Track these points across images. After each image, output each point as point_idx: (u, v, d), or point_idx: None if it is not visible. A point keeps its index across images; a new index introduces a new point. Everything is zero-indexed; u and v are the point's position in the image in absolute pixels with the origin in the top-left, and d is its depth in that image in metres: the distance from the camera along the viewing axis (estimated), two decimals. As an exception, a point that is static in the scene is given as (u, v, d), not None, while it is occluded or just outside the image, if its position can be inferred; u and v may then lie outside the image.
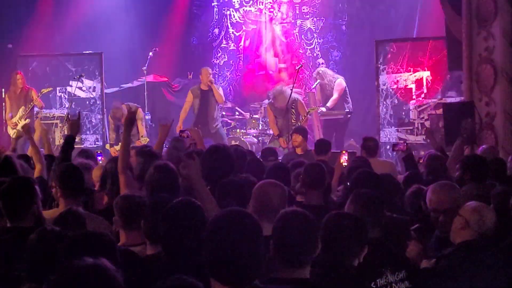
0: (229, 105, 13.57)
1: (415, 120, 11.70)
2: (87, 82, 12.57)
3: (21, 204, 4.02)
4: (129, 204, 4.11)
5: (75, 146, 5.77)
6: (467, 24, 8.69)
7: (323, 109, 12.18)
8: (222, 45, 15.34)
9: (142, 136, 11.47)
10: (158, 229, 3.32)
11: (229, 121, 13.29)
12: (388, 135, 11.92)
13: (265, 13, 15.18)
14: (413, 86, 11.74)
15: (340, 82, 12.35)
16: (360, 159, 6.72)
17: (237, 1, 15.23)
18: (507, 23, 8.29)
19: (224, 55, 15.35)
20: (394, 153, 10.00)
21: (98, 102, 12.67)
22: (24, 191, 4.06)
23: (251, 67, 15.25)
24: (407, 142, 8.59)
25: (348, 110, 12.24)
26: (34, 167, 6.12)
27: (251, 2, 15.20)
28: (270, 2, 15.15)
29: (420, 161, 7.42)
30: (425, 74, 11.64)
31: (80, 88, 12.48)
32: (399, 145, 7.46)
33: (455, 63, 9.32)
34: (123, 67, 14.13)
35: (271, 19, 15.16)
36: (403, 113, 11.84)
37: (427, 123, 11.38)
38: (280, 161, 8.12)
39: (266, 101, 12.72)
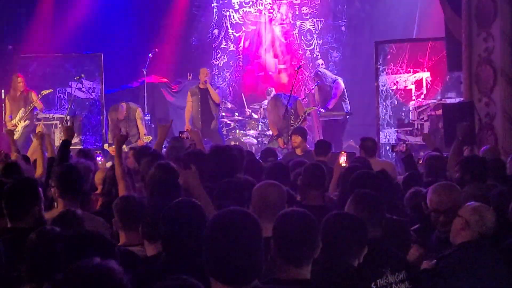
0: (228, 105, 13.57)
1: (414, 121, 11.68)
2: (87, 83, 12.56)
3: (23, 205, 4.02)
4: (128, 205, 4.14)
5: (75, 147, 5.81)
6: (467, 25, 8.68)
7: (322, 110, 12.18)
8: (222, 46, 15.35)
9: (143, 135, 11.50)
10: (158, 229, 3.32)
11: (229, 121, 13.28)
12: (388, 136, 11.91)
13: (264, 14, 15.18)
14: (412, 87, 11.73)
15: (338, 83, 12.36)
16: (360, 159, 6.72)
17: (237, 2, 15.23)
18: (506, 24, 8.28)
19: (224, 56, 15.35)
20: (394, 154, 10.01)
21: (97, 103, 12.67)
22: (27, 192, 4.07)
23: (251, 68, 15.25)
24: (406, 143, 8.59)
25: (347, 111, 12.25)
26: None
27: (250, 3, 15.20)
28: (270, 3, 15.15)
29: (420, 162, 7.42)
30: (425, 75, 11.63)
31: (80, 89, 12.48)
32: (399, 146, 7.47)
33: (455, 63, 9.30)
34: (123, 68, 14.12)
35: (270, 20, 15.16)
36: (403, 114, 11.83)
37: (427, 124, 11.37)
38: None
39: (266, 102, 12.74)
